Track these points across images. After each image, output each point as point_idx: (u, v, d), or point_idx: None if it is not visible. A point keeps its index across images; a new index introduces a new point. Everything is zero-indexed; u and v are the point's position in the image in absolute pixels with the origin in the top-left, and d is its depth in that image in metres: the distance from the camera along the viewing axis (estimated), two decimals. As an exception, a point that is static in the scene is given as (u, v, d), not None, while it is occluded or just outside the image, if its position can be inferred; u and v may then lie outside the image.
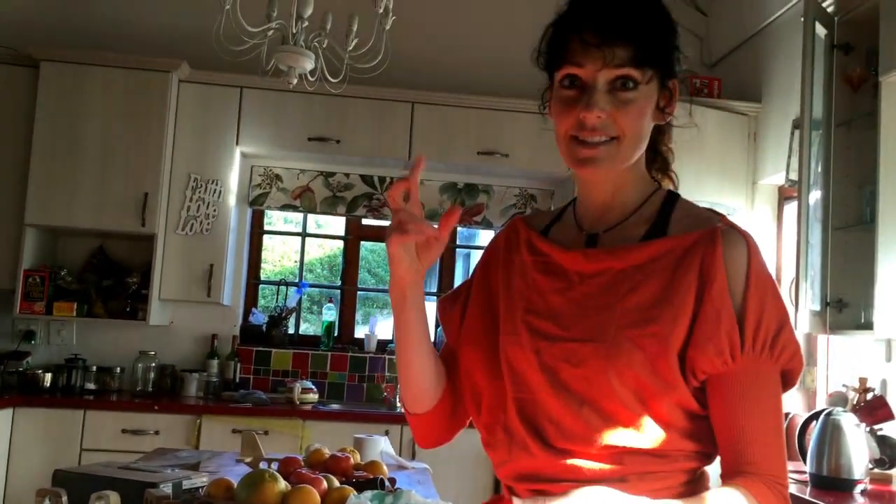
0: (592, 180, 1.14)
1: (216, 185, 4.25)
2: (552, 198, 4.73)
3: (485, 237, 5.08)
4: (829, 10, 2.95)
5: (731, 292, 1.02)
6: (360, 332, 4.79)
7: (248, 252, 4.67)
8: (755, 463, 1.01)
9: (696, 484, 1.08)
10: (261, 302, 4.77)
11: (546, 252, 1.17)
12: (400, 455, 3.22)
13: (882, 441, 2.77)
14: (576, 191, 1.24)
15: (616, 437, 1.03)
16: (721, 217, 1.10)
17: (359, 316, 4.90)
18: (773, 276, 1.07)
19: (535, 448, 1.06)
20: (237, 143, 4.29)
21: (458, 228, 4.86)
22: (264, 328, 4.55)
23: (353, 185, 4.66)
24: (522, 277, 1.17)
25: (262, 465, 2.31)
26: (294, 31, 2.82)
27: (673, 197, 1.16)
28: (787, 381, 1.07)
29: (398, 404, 4.35)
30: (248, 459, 2.44)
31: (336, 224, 4.95)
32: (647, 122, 1.09)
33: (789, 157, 3.47)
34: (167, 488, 1.89)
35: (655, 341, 1.02)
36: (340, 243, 4.92)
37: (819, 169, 2.93)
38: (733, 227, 1.07)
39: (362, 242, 4.89)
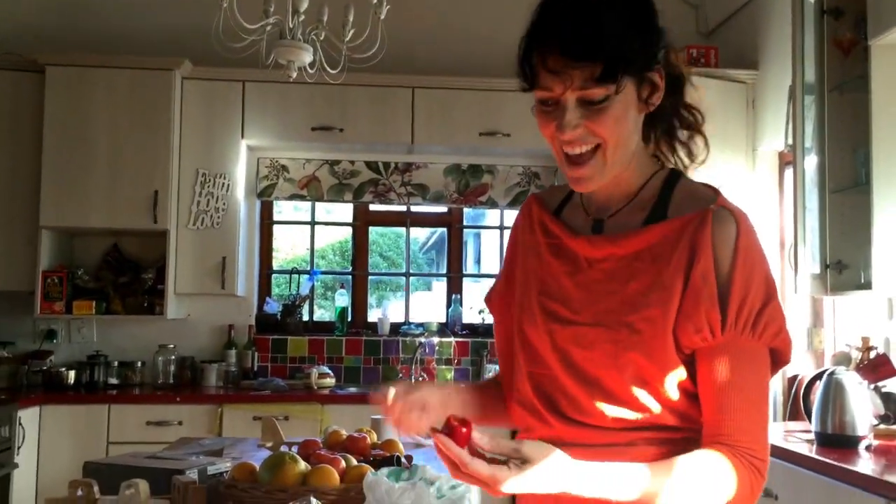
0: None
1: (224, 178, 4.33)
2: (556, 175, 4.77)
3: (491, 217, 5.13)
4: (818, -25, 2.98)
5: (717, 270, 1.07)
6: (372, 315, 4.87)
7: (259, 243, 4.75)
8: (730, 434, 1.06)
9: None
10: (274, 291, 4.86)
11: (557, 234, 1.22)
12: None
13: (887, 398, 2.82)
14: None
15: (620, 412, 1.10)
16: (718, 196, 1.14)
17: (371, 300, 4.98)
18: (764, 255, 1.12)
19: (552, 418, 1.15)
20: (242, 137, 4.36)
21: (465, 209, 4.91)
22: (279, 316, 4.63)
23: (359, 171, 4.72)
24: (537, 258, 1.23)
25: (283, 449, 2.39)
26: (291, 26, 2.88)
27: (674, 177, 1.19)
28: (778, 360, 1.12)
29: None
30: (269, 444, 2.52)
31: (344, 211, 5.02)
32: (629, 122, 1.11)
33: (787, 122, 3.50)
34: (193, 474, 1.97)
35: (650, 324, 1.08)
36: (349, 230, 4.99)
37: (814, 134, 2.97)
38: (726, 207, 1.11)
39: (371, 227, 4.96)
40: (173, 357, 4.39)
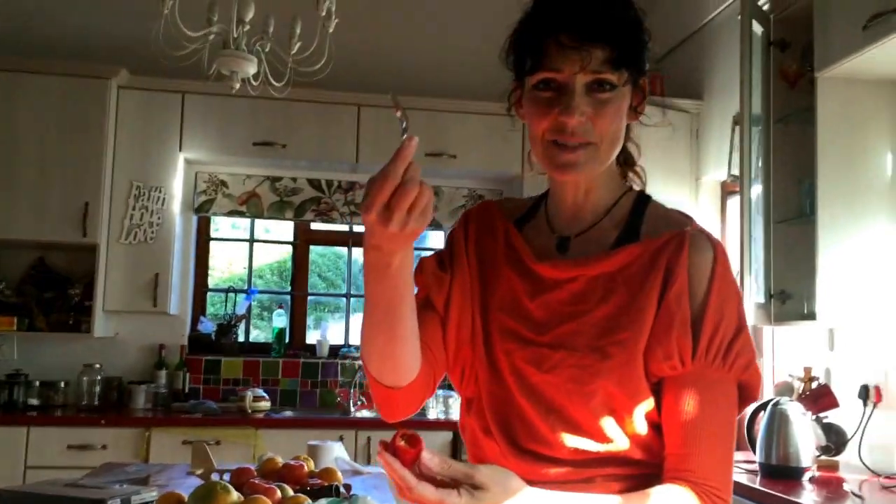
0: (569, 182, 1.12)
1: (160, 192, 4.17)
2: (500, 197, 4.73)
3: (434, 239, 5.07)
4: (765, 7, 3.01)
5: (691, 296, 1.02)
6: (311, 337, 4.74)
7: (194, 260, 4.59)
8: (694, 471, 1.00)
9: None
10: (209, 310, 4.69)
11: (519, 252, 1.15)
12: (355, 460, 3.20)
13: (828, 428, 2.83)
14: (548, 187, 1.22)
15: (583, 444, 1.02)
16: (691, 221, 1.09)
17: (309, 321, 4.86)
18: (737, 285, 1.08)
19: (504, 445, 1.07)
20: (180, 150, 4.22)
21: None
22: (213, 336, 4.48)
23: (301, 189, 4.62)
24: (494, 269, 1.15)
25: (214, 477, 2.26)
26: (235, 35, 2.78)
27: (644, 199, 1.15)
28: (746, 396, 1.05)
29: (352, 408, 4.32)
30: (200, 471, 2.39)
31: (284, 229, 4.90)
32: (623, 124, 1.08)
33: (730, 152, 3.53)
34: (115, 504, 1.84)
35: (622, 349, 1.02)
36: (288, 249, 4.87)
37: (759, 164, 2.99)
38: (702, 233, 1.07)
39: (311, 246, 4.84)
40: (99, 377, 4.18)
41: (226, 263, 5.22)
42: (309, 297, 4.82)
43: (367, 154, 4.31)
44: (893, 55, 2.46)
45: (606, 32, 1.01)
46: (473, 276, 1.16)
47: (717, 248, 1.05)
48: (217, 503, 1.73)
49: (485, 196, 4.76)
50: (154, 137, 4.19)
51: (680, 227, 1.07)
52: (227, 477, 2.17)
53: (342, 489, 2.14)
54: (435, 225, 4.73)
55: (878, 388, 2.82)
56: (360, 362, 4.45)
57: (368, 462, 3.75)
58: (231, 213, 4.60)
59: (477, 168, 4.46)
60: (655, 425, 1.04)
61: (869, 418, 2.82)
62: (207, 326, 4.50)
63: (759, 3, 3.00)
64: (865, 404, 2.84)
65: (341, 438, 3.78)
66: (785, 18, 2.95)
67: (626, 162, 1.18)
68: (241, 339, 4.59)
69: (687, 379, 1.02)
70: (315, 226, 4.76)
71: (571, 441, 1.03)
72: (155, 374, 4.30)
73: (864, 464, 2.79)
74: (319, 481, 2.18)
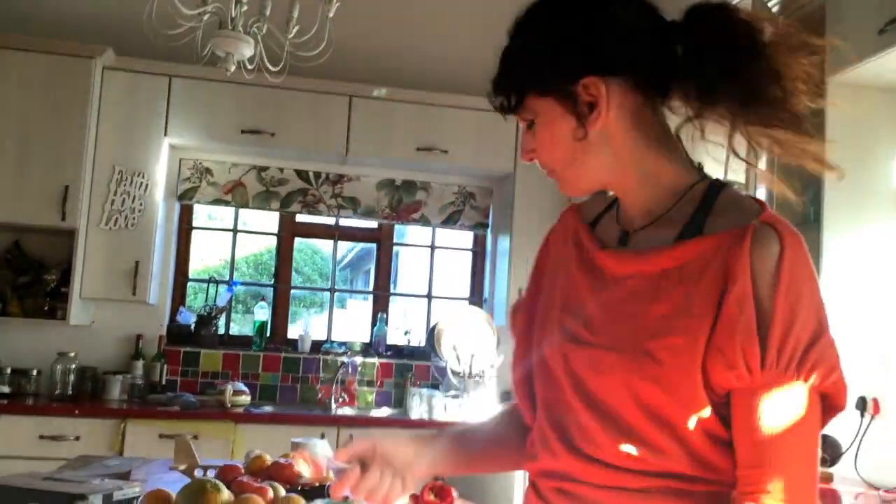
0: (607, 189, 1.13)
1: (142, 178, 4.05)
2: (491, 196, 4.67)
3: (418, 234, 4.98)
4: (775, 9, 2.97)
5: (756, 297, 0.92)
6: (292, 332, 4.64)
7: (175, 249, 4.47)
8: (768, 491, 0.91)
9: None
10: (189, 301, 4.57)
11: (587, 247, 1.11)
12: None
13: (823, 440, 2.79)
14: None
15: (637, 453, 0.97)
16: (764, 210, 0.98)
17: (290, 316, 4.75)
18: (815, 281, 0.96)
19: (559, 448, 1.03)
20: (165, 135, 4.10)
21: (397, 225, 4.75)
22: (193, 328, 4.36)
23: (288, 179, 4.51)
24: (566, 271, 1.12)
25: (198, 473, 2.17)
26: (233, 16, 2.68)
27: (715, 189, 1.03)
28: (831, 407, 0.95)
29: (333, 405, 4.22)
30: (183, 467, 2.29)
31: (262, 221, 4.79)
32: (567, 144, 1.03)
33: (727, 156, 3.49)
34: (97, 500, 1.74)
35: (673, 354, 0.94)
36: (268, 242, 4.76)
37: (763, 168, 2.94)
38: (769, 223, 0.95)
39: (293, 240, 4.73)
40: (73, 366, 4.05)
41: (206, 254, 5.11)
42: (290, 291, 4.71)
43: (358, 146, 4.22)
44: (907, 61, 2.42)
45: (499, 82, 1.06)
46: (554, 296, 1.13)
47: (784, 241, 0.93)
48: (208, 502, 1.64)
49: (475, 193, 4.68)
50: (139, 121, 4.07)
51: (747, 219, 0.96)
52: (212, 474, 2.07)
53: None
54: (423, 221, 4.64)
55: (875, 401, 2.79)
56: (342, 358, 4.38)
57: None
58: (215, 202, 4.48)
59: (468, 164, 4.39)
60: (718, 440, 0.96)
61: (866, 430, 2.78)
62: (187, 317, 4.38)
63: (770, 4, 2.96)
64: (863, 416, 2.80)
65: (322, 435, 3.68)
66: (795, 20, 2.90)
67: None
68: (220, 331, 4.48)
69: (758, 390, 0.92)
70: (300, 218, 4.65)
71: (624, 447, 0.97)
72: (131, 364, 4.17)
73: (860, 476, 2.75)
74: (309, 481, 2.10)
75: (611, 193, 1.15)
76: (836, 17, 2.61)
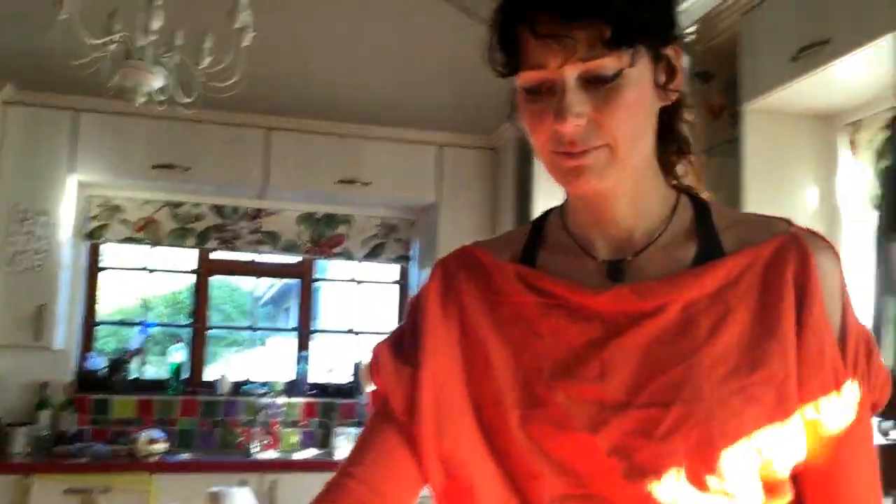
0: (595, 198, 0.86)
1: (47, 216, 3.85)
2: (413, 226, 4.61)
3: (341, 268, 4.88)
4: (689, 39, 3.01)
5: (828, 311, 0.82)
6: (210, 373, 4.45)
7: (84, 290, 4.25)
8: None
9: None
10: (100, 345, 4.34)
11: (557, 293, 0.86)
12: (262, 507, 2.96)
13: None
14: (565, 205, 0.95)
15: None
16: (786, 220, 0.87)
17: (209, 356, 4.56)
18: None
19: None
20: (72, 171, 3.91)
21: (318, 260, 4.64)
22: (104, 373, 4.13)
23: (204, 215, 4.35)
24: (527, 327, 0.86)
25: (108, 533, 2.01)
26: (141, 45, 2.56)
27: (700, 203, 0.90)
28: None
29: (255, 448, 4.06)
30: (91, 527, 2.13)
31: (181, 259, 4.61)
32: (645, 113, 0.82)
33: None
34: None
35: (771, 388, 0.79)
36: (185, 280, 4.58)
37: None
38: (814, 234, 0.85)
39: (211, 277, 4.57)
40: (-28, 419, 3.78)
41: (115, 296, 4.88)
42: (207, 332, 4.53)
43: (277, 179, 4.11)
44: (820, 88, 2.47)
45: (594, 6, 0.76)
46: (473, 352, 0.88)
47: (835, 249, 0.85)
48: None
49: (397, 226, 4.61)
50: (42, 158, 3.86)
51: (776, 229, 0.85)
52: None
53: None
54: (346, 255, 4.54)
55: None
56: (264, 399, 4.22)
57: (275, 507, 3.51)
58: (127, 240, 4.28)
59: (390, 196, 4.32)
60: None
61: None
62: (97, 362, 4.15)
63: (686, 33, 3.01)
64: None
65: (244, 483, 3.51)
66: (709, 50, 2.95)
67: (680, 151, 0.92)
68: (134, 376, 4.26)
69: (836, 412, 0.82)
70: (218, 255, 4.49)
71: None
72: (36, 414, 3.92)
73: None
74: (230, 535, 1.97)
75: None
76: (750, 45, 2.66)
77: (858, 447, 0.83)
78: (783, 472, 0.80)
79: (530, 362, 0.84)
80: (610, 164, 0.80)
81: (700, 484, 0.76)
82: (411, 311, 0.93)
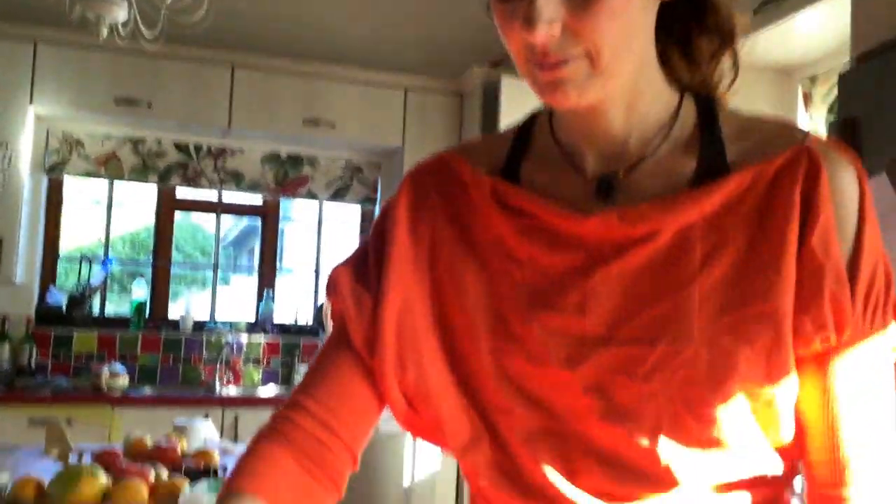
0: (580, 112, 0.75)
1: (5, 149, 3.79)
2: (380, 170, 4.62)
3: (305, 210, 4.88)
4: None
5: (840, 235, 0.71)
6: (172, 312, 4.46)
7: (44, 225, 4.21)
8: (863, 482, 0.72)
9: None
10: (60, 281, 4.33)
11: (538, 215, 0.77)
12: (222, 439, 3.03)
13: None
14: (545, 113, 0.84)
15: (713, 471, 0.71)
16: (803, 130, 0.76)
17: (171, 295, 4.57)
18: None
19: (562, 496, 0.73)
20: (31, 103, 3.84)
21: (283, 200, 4.64)
22: (64, 309, 4.13)
23: (166, 152, 4.32)
24: (504, 252, 0.78)
25: (73, 459, 2.06)
26: (104, -25, 2.52)
27: (709, 105, 0.78)
28: None
29: (218, 385, 4.11)
30: (56, 453, 2.17)
31: (142, 197, 4.57)
32: (632, 16, 0.69)
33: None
34: (-41, 492, 1.62)
35: (766, 327, 0.69)
36: (146, 220, 4.55)
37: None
38: (833, 146, 0.74)
39: (172, 216, 4.54)
40: (-69, 351, 3.77)
41: (74, 233, 4.84)
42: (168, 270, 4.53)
43: (241, 118, 4.09)
44: (780, 41, 2.53)
45: None
46: (444, 279, 0.80)
47: (857, 163, 0.73)
48: (83, 487, 1.55)
49: (362, 168, 4.62)
50: (0, 88, 3.79)
51: (791, 140, 0.73)
52: (88, 459, 1.97)
53: (220, 472, 1.99)
54: (310, 195, 4.55)
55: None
56: (227, 338, 4.25)
57: (236, 440, 3.57)
58: (87, 175, 4.23)
59: (356, 138, 4.32)
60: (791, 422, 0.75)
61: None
62: (57, 297, 4.14)
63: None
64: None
65: (206, 416, 3.57)
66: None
67: (717, 51, 0.80)
68: (95, 312, 4.26)
69: (840, 351, 0.72)
70: (181, 194, 4.47)
71: (694, 469, 0.71)
72: (-4, 347, 3.92)
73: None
74: (194, 464, 2.02)
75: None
76: (715, -3, 2.69)
77: (867, 389, 0.72)
78: (784, 422, 0.72)
79: (506, 290, 0.77)
80: (591, 76, 0.70)
81: (684, 429, 0.70)
82: (377, 229, 0.85)
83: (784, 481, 0.76)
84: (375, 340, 0.79)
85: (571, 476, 0.73)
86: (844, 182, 0.71)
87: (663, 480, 0.71)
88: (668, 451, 0.70)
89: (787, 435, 0.73)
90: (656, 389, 0.70)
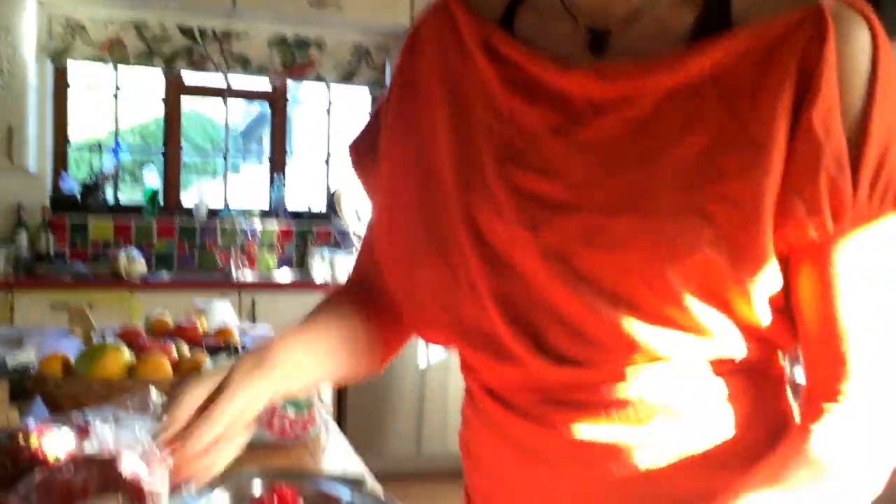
0: None
1: (8, 34, 3.72)
2: (388, 54, 4.53)
3: (314, 96, 4.82)
4: None
5: (843, 109, 0.63)
6: (185, 200, 4.48)
7: (52, 113, 4.18)
8: (862, 380, 0.65)
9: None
10: (70, 171, 4.33)
11: (521, 63, 0.72)
12: (241, 320, 3.10)
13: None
14: None
15: (674, 349, 0.67)
16: None
17: (182, 185, 4.58)
18: None
19: (531, 357, 0.70)
20: (30, -14, 3.75)
21: (290, 84, 4.57)
22: (79, 197, 4.15)
23: (171, 37, 4.23)
24: (484, 100, 0.74)
25: (96, 338, 2.11)
26: None
27: None
28: None
29: (234, 271, 4.17)
30: (79, 332, 2.23)
31: (150, 86, 4.51)
32: None
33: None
34: (-11, 367, 1.68)
35: (732, 208, 0.63)
36: (155, 112, 4.50)
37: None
38: (848, 4, 0.64)
39: (181, 106, 4.49)
40: (-50, 239, 3.82)
41: (86, 122, 4.81)
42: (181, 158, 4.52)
43: (246, -1, 3.98)
44: None
45: None
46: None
47: (875, 27, 0.64)
48: (109, 362, 1.59)
49: (371, 51, 4.52)
50: (-2, -30, 3.70)
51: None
52: (110, 338, 2.02)
53: (241, 350, 2.04)
54: (317, 78, 4.48)
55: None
56: (241, 224, 4.28)
57: (254, 321, 3.65)
58: (92, 59, 4.16)
59: (363, 21, 4.21)
60: (778, 311, 0.69)
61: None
62: (71, 185, 4.16)
63: None
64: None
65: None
66: None
67: None
68: (108, 201, 4.28)
69: (840, 239, 0.65)
70: (188, 81, 4.41)
71: (650, 343, 0.66)
72: (15, 235, 3.97)
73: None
74: (215, 342, 2.07)
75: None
76: None
77: (873, 282, 0.66)
78: (758, 308, 0.66)
79: (483, 143, 0.73)
80: None
81: (643, 304, 0.65)
82: (388, 91, 0.85)
83: (765, 370, 0.73)
84: (376, 228, 0.84)
85: (538, 341, 0.70)
86: (855, 46, 0.63)
87: (625, 353, 0.67)
88: (628, 324, 0.66)
89: (761, 320, 0.67)
90: (617, 261, 0.66)
